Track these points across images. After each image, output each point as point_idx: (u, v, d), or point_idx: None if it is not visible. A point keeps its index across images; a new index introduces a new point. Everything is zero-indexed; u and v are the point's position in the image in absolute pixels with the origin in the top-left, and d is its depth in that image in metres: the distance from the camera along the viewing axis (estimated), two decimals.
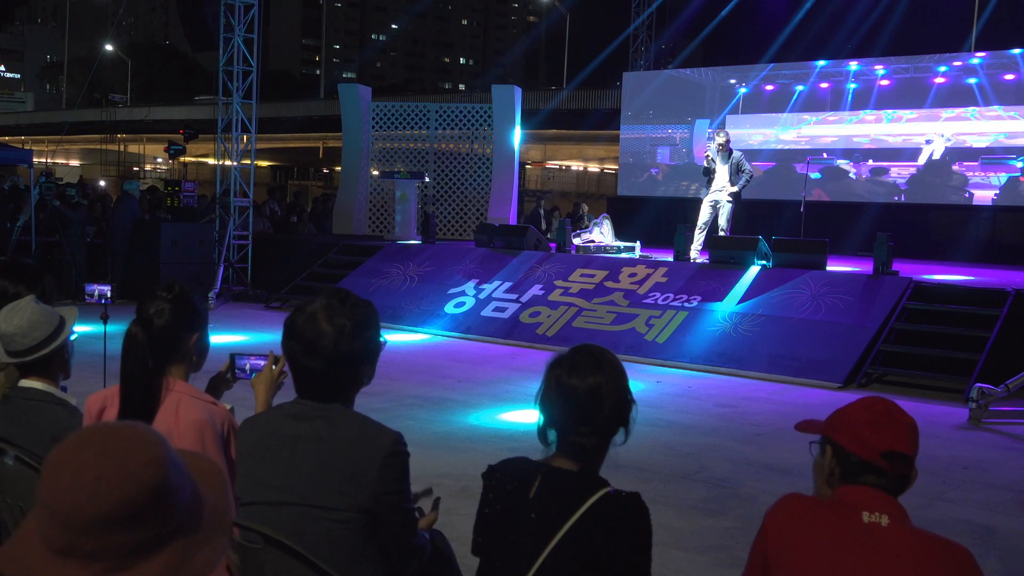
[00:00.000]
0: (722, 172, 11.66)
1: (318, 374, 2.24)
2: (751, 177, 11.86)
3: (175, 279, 2.62)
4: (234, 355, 2.81)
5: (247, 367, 2.79)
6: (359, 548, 2.19)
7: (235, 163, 14.55)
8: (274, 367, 2.72)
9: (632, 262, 12.11)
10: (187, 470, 1.14)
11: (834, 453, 1.93)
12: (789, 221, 14.37)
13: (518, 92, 16.72)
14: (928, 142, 16.17)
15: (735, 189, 11.63)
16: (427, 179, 16.39)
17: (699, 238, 11.94)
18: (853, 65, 17.04)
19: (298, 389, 2.32)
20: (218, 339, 9.79)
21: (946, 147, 15.96)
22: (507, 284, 11.98)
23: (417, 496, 2.61)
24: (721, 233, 11.71)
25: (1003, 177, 15.42)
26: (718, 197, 11.75)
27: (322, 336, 2.21)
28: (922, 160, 16.25)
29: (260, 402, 2.67)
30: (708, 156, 11.79)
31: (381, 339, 2.36)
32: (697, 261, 11.74)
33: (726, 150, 11.68)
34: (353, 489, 2.16)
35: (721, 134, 11.99)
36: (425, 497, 2.64)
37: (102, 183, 17.31)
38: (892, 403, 1.96)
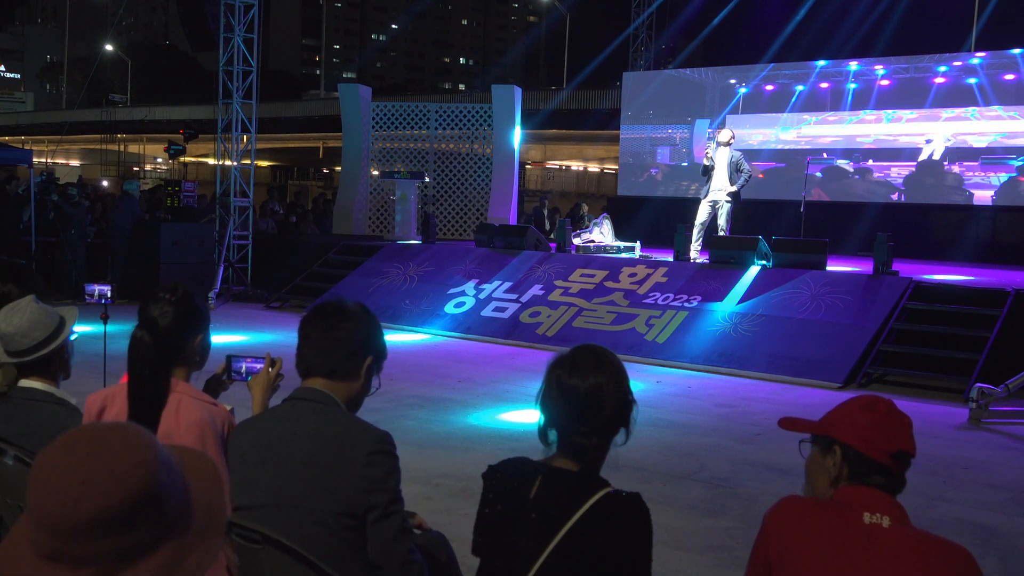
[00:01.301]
0: (721, 171, 11.64)
1: (335, 341, 2.28)
2: (750, 177, 11.86)
3: (177, 281, 2.61)
4: (230, 357, 2.82)
5: (243, 369, 2.79)
6: (346, 554, 2.16)
7: (235, 163, 14.55)
8: (270, 369, 2.72)
9: (632, 262, 12.10)
10: (180, 469, 1.11)
11: (843, 454, 1.93)
12: (789, 221, 14.37)
13: (518, 92, 16.72)
14: (928, 142, 16.17)
15: (734, 189, 11.61)
16: (427, 179, 16.39)
17: (697, 237, 11.94)
18: (853, 65, 17.04)
19: (305, 366, 2.33)
20: (218, 339, 9.82)
21: (946, 147, 15.96)
22: (507, 284, 11.98)
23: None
24: (721, 233, 11.70)
25: (1003, 177, 15.42)
26: (717, 197, 11.74)
27: (347, 305, 2.35)
28: (922, 160, 16.25)
29: (256, 404, 2.67)
30: (708, 155, 11.77)
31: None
32: (697, 261, 11.74)
33: (727, 147, 11.66)
34: (336, 487, 2.14)
35: (725, 131, 11.99)
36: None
37: (105, 183, 17.21)
38: (891, 402, 1.96)
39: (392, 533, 2.18)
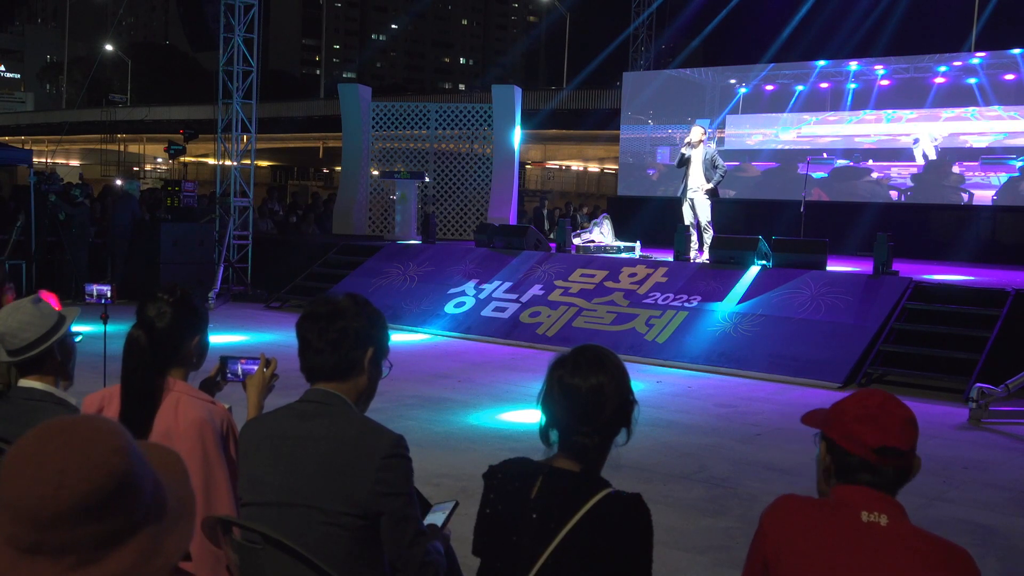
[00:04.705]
0: (696, 169, 11.71)
1: (330, 344, 2.26)
2: (725, 173, 11.96)
3: (175, 282, 2.62)
4: (225, 358, 2.81)
5: (238, 370, 2.78)
6: (356, 553, 2.17)
7: (235, 163, 14.55)
8: (265, 370, 2.72)
9: (632, 262, 12.10)
10: (147, 460, 1.13)
11: (828, 449, 1.92)
12: (789, 221, 14.37)
13: (518, 92, 16.71)
14: (916, 142, 16.18)
15: (710, 186, 11.70)
16: (427, 179, 16.38)
17: (693, 237, 11.98)
18: (853, 65, 17.04)
19: (308, 371, 2.32)
20: (218, 339, 9.84)
21: (945, 147, 15.95)
22: (507, 284, 11.98)
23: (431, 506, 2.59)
24: (706, 232, 11.76)
25: (1003, 177, 15.43)
26: (692, 196, 11.82)
27: (338, 302, 2.31)
28: (918, 160, 16.25)
29: (252, 405, 2.68)
30: (686, 144, 11.83)
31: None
32: (696, 261, 11.75)
33: (701, 144, 11.72)
34: (350, 489, 2.15)
35: (696, 129, 12.02)
36: (440, 513, 2.60)
37: (119, 182, 17.09)
38: (888, 395, 1.93)
39: (408, 538, 2.18)
